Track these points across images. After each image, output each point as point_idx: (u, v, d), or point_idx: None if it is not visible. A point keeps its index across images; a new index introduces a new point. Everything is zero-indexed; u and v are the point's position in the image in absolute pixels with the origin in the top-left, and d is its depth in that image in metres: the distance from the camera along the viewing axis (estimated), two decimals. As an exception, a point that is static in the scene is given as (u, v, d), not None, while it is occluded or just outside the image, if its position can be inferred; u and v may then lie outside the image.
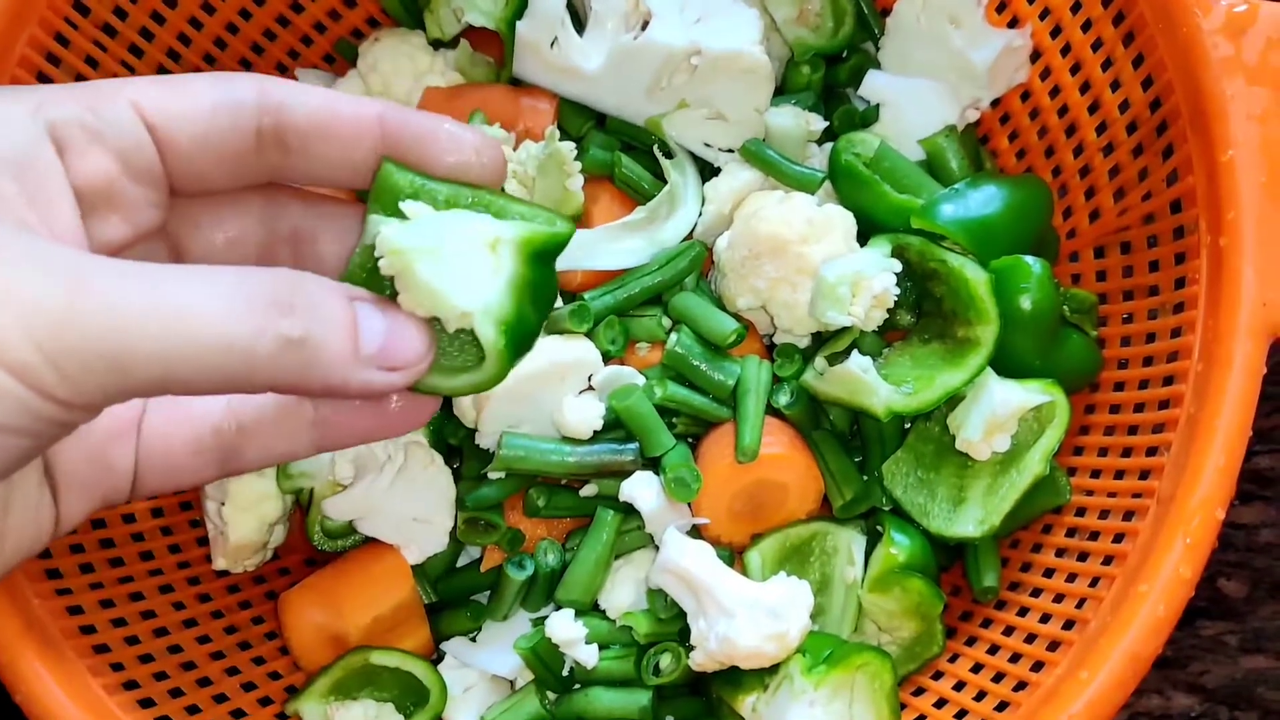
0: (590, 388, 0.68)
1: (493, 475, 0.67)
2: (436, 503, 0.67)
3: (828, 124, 0.73)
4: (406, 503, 0.66)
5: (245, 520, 0.68)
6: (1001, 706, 0.60)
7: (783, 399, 0.67)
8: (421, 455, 0.67)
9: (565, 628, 0.65)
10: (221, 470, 0.42)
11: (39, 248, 0.33)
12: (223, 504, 0.69)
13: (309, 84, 0.43)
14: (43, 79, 0.64)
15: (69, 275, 0.32)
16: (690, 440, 0.68)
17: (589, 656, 0.65)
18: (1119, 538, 0.60)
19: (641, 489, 0.65)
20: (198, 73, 0.42)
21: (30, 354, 0.31)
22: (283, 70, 0.78)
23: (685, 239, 0.71)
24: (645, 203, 0.72)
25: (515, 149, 0.69)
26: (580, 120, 0.73)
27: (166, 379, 0.32)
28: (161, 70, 0.71)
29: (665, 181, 0.72)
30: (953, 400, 0.64)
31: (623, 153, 0.73)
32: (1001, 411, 0.63)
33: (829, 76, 0.76)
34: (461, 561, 0.72)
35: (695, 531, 0.67)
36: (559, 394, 0.66)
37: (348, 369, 0.36)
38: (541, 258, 0.40)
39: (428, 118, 0.42)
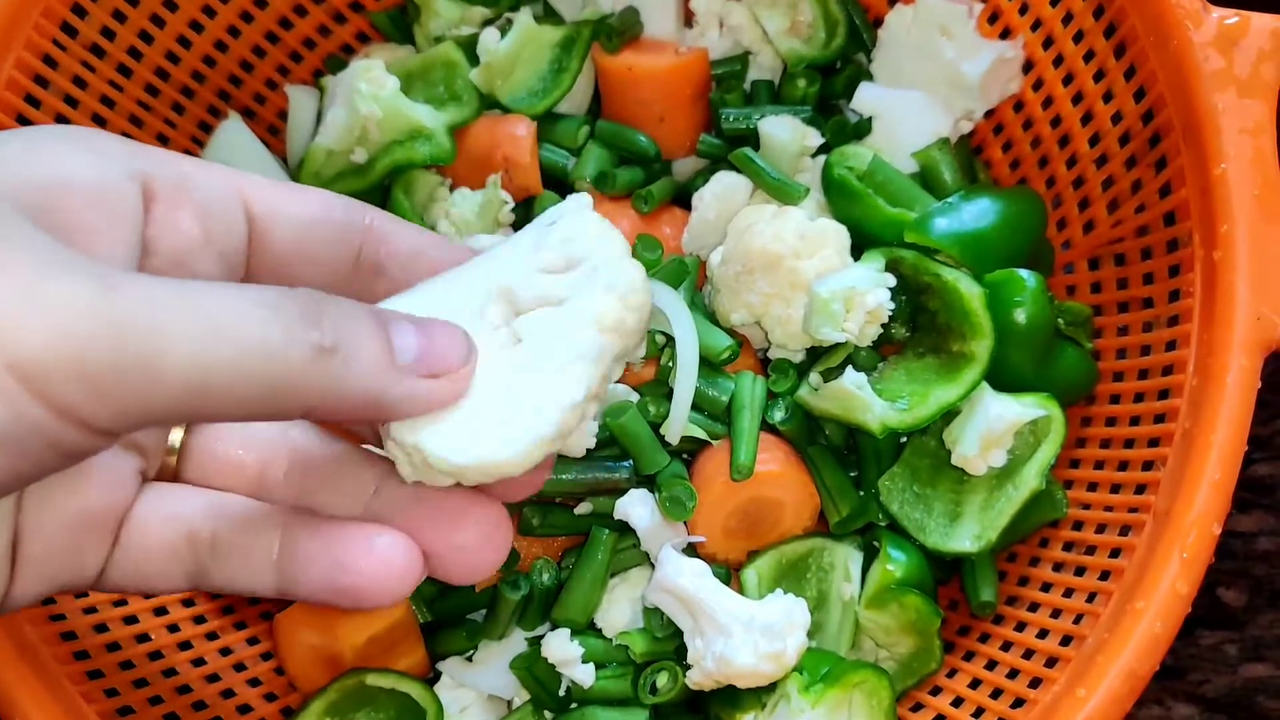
0: None
1: None
2: None
3: (824, 140, 0.73)
4: None
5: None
6: (1000, 723, 0.59)
7: (778, 415, 0.67)
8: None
9: (561, 647, 0.65)
10: (191, 585, 0.40)
11: (69, 254, 0.30)
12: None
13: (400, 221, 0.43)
14: (30, 102, 0.64)
15: (98, 279, 0.29)
16: (685, 457, 0.68)
17: (585, 676, 0.65)
18: (1115, 553, 0.60)
19: (636, 507, 0.65)
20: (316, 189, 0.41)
21: (53, 363, 0.28)
22: (273, 87, 0.78)
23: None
24: (643, 210, 0.72)
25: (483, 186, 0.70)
26: (574, 131, 0.73)
27: (202, 390, 0.30)
28: (149, 89, 0.71)
29: (660, 192, 0.72)
30: (948, 415, 0.64)
31: (620, 166, 0.73)
32: (997, 426, 0.63)
33: (823, 89, 0.76)
34: (457, 580, 0.71)
35: (691, 549, 0.67)
36: None
37: (385, 376, 0.34)
38: None
39: None
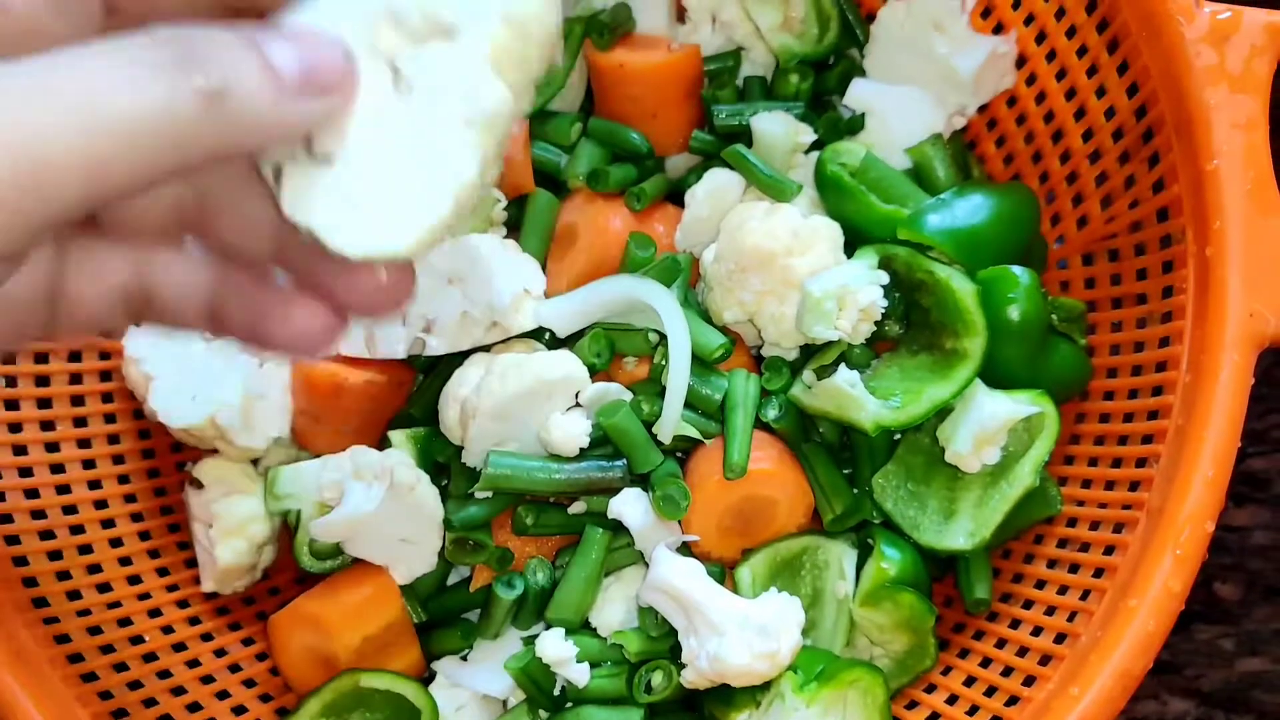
0: (578, 404, 0.67)
1: (479, 494, 0.67)
2: (424, 523, 0.67)
3: (814, 133, 0.73)
4: (394, 524, 0.66)
5: (233, 543, 0.68)
6: (994, 721, 0.59)
7: (771, 413, 0.67)
8: (408, 475, 0.66)
9: (556, 647, 0.65)
10: (131, 322, 0.39)
11: None
12: (210, 526, 0.68)
13: None
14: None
15: None
16: (679, 456, 0.67)
17: (580, 675, 0.65)
18: (1109, 550, 0.60)
19: (630, 506, 0.65)
20: None
21: None
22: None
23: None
24: (636, 207, 0.72)
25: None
26: (566, 128, 0.73)
27: (102, 175, 0.29)
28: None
29: (653, 189, 0.72)
30: (942, 412, 0.64)
31: (613, 163, 0.73)
32: (991, 424, 0.63)
33: (816, 85, 0.76)
34: (451, 580, 0.71)
35: (685, 548, 0.67)
36: (545, 411, 0.66)
37: (279, 104, 0.32)
38: None
39: None
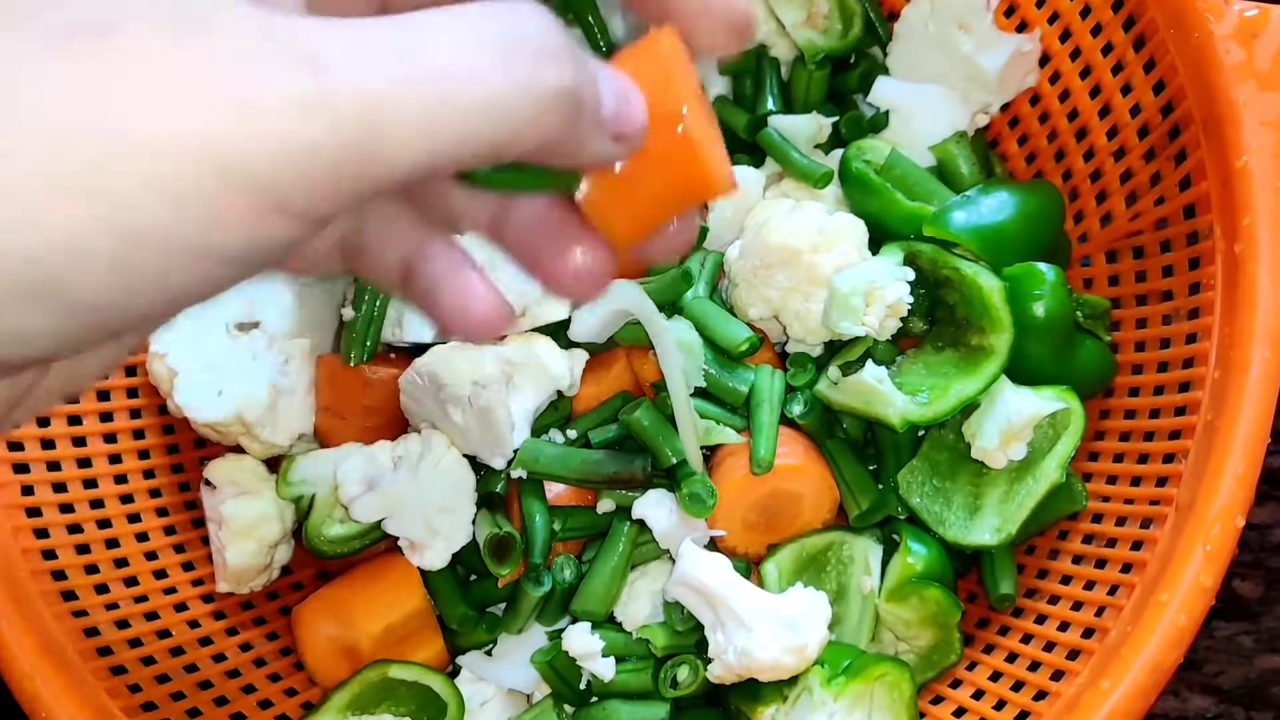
0: (559, 394, 0.68)
1: (514, 474, 0.67)
2: (459, 487, 0.67)
3: (835, 120, 0.74)
4: (431, 491, 0.66)
5: (243, 544, 0.68)
6: (1022, 716, 0.59)
7: (796, 409, 0.67)
8: (441, 440, 0.67)
9: (582, 641, 0.65)
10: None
11: (274, 33, 0.27)
12: (221, 527, 0.68)
13: None
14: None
15: (309, 64, 0.26)
16: (705, 451, 0.68)
17: (606, 669, 0.65)
18: (1137, 545, 0.60)
19: (654, 508, 0.65)
20: None
21: (277, 173, 0.26)
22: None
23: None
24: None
25: None
26: None
27: (426, 168, 0.28)
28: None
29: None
30: (967, 408, 0.64)
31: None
32: (1016, 420, 0.63)
33: (838, 83, 0.76)
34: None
35: (711, 543, 0.67)
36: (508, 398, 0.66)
37: (597, 130, 0.31)
38: None
39: None
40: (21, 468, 0.65)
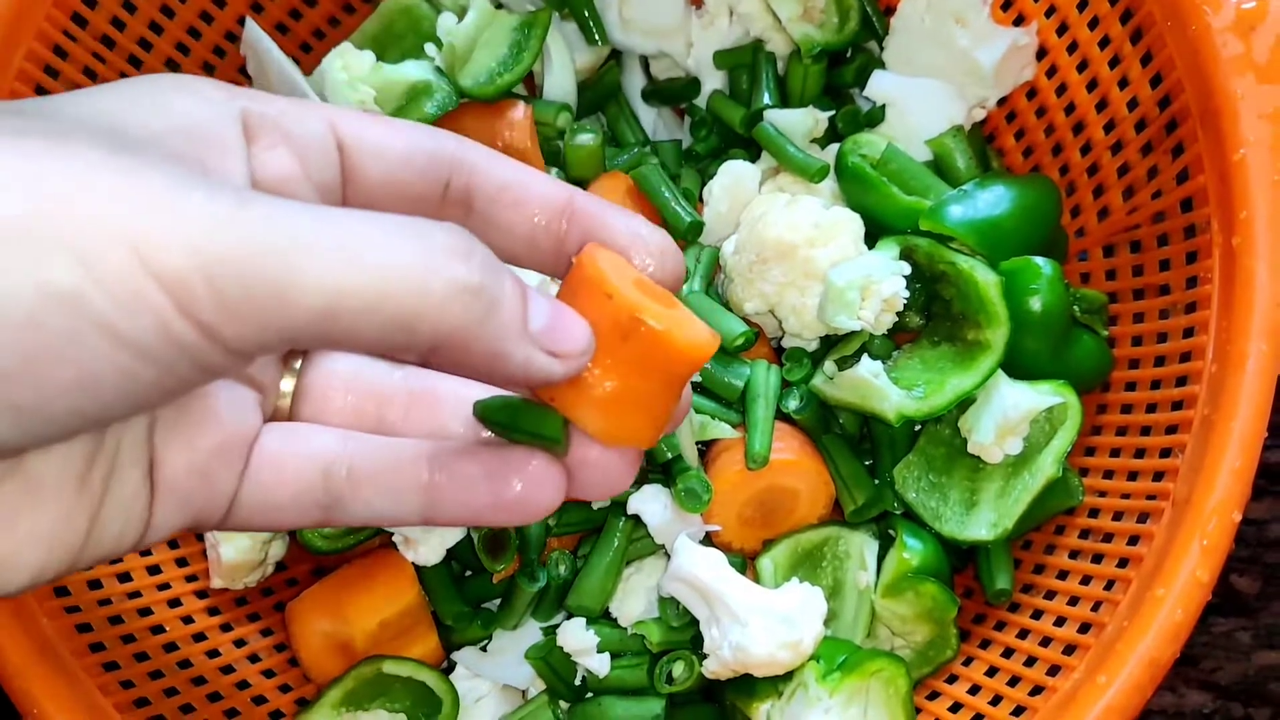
0: None
1: None
2: None
3: (831, 114, 0.74)
4: None
5: (237, 540, 0.68)
6: (1018, 711, 0.59)
7: (792, 404, 0.67)
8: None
9: (577, 636, 0.65)
10: (323, 518, 0.40)
11: (202, 174, 0.30)
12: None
13: (499, 156, 0.42)
14: (40, 93, 0.64)
15: (235, 196, 0.29)
16: (700, 446, 0.67)
17: (601, 665, 0.65)
18: (1133, 540, 0.60)
19: (649, 503, 0.65)
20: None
21: (186, 267, 0.28)
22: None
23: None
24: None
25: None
26: (556, 112, 0.73)
27: (330, 312, 0.30)
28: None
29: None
30: (964, 403, 0.64)
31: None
32: (1013, 414, 0.63)
33: (834, 78, 0.76)
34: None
35: (706, 539, 0.67)
36: None
37: (516, 338, 0.33)
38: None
39: (619, 213, 0.40)
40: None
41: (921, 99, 0.73)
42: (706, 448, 0.68)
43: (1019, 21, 0.72)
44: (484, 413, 0.38)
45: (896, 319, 0.65)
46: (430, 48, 0.73)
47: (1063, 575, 0.64)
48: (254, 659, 0.69)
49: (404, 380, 0.44)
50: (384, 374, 0.44)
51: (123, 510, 0.36)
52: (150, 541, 0.38)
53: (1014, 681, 0.62)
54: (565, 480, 0.39)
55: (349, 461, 0.40)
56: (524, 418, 0.38)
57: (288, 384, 0.43)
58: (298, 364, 0.44)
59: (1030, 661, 0.62)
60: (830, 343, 0.68)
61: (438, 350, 0.32)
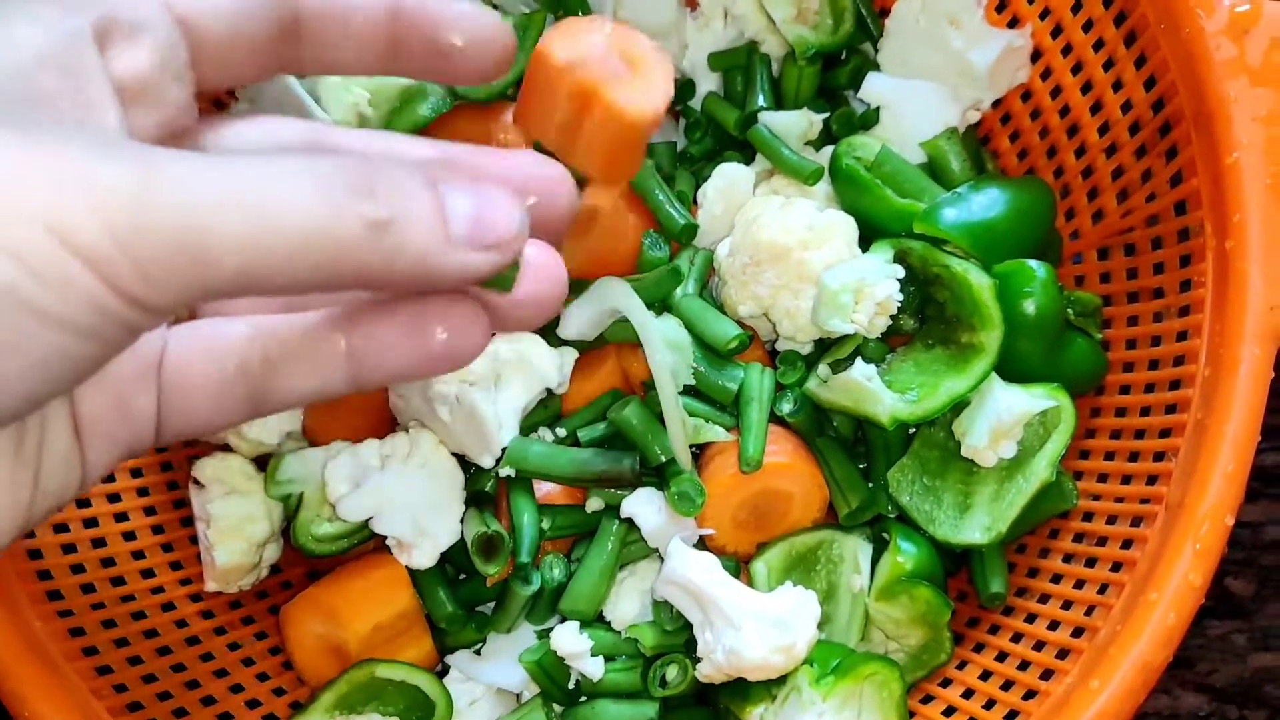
0: (548, 393, 0.68)
1: (501, 472, 0.67)
2: (447, 486, 0.66)
3: (825, 116, 0.74)
4: (419, 490, 0.66)
5: (231, 543, 0.67)
6: (1012, 715, 0.59)
7: (786, 407, 0.67)
8: (429, 438, 0.66)
9: (571, 640, 0.65)
10: (251, 410, 0.39)
11: (103, 137, 0.31)
12: (209, 526, 0.68)
13: None
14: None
15: (140, 161, 0.30)
16: (694, 449, 0.67)
17: (595, 669, 0.65)
18: (1127, 544, 0.60)
19: (643, 507, 0.65)
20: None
21: (106, 243, 0.28)
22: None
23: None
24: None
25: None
26: None
27: (249, 270, 0.30)
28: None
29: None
30: (958, 406, 0.64)
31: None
32: (1007, 418, 0.63)
33: (829, 79, 0.76)
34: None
35: (700, 542, 0.67)
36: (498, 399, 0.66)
37: (440, 252, 0.33)
38: None
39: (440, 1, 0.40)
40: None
41: (916, 101, 0.73)
42: (700, 451, 0.67)
43: (1014, 24, 0.72)
44: None
45: (890, 322, 0.65)
46: None
47: (1056, 579, 0.64)
48: (248, 662, 0.69)
49: None
50: None
51: (60, 466, 0.36)
52: (91, 483, 0.38)
53: (1007, 685, 0.62)
54: (488, 318, 0.38)
55: (261, 348, 0.39)
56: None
57: None
58: None
59: (1024, 665, 0.62)
60: (824, 346, 0.68)
61: (365, 286, 0.33)
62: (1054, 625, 0.62)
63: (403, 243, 0.32)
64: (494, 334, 0.39)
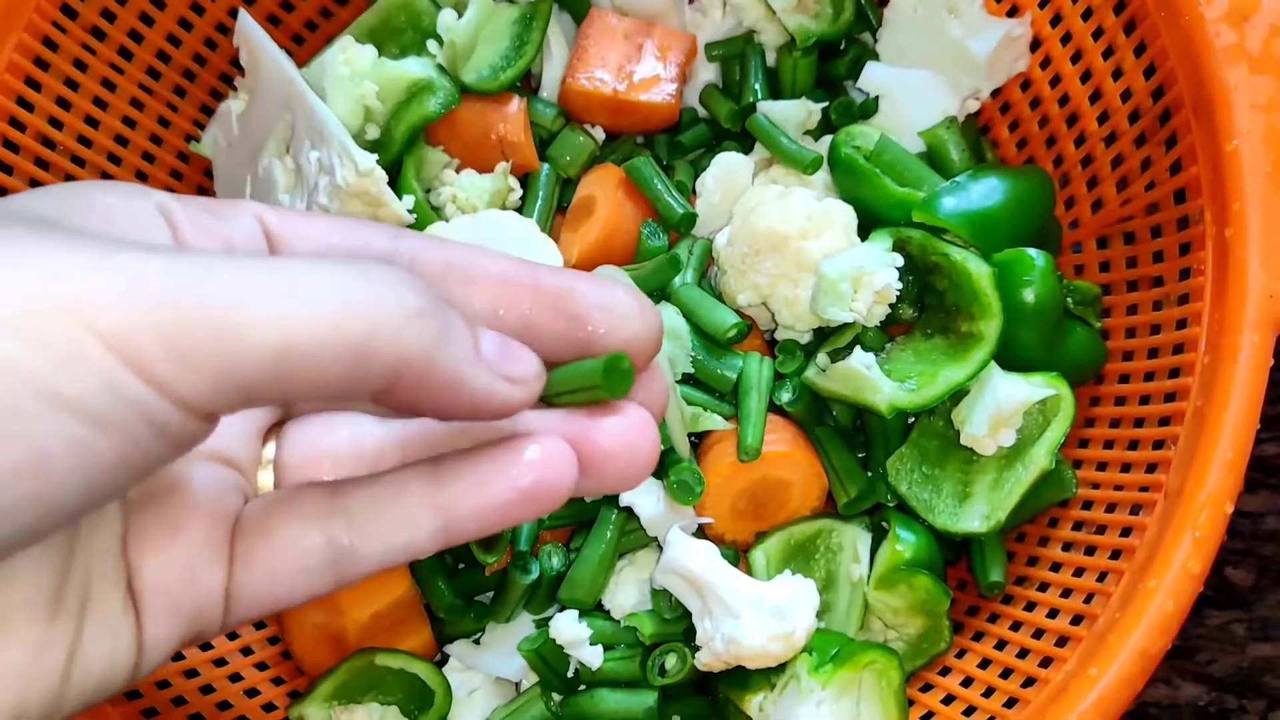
0: None
1: None
2: None
3: (824, 105, 0.74)
4: None
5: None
6: (1010, 703, 0.59)
7: (785, 396, 0.67)
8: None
9: (570, 629, 0.65)
10: (337, 577, 0.36)
11: (135, 242, 0.29)
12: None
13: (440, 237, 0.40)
14: (30, 85, 0.63)
15: (171, 249, 0.29)
16: (693, 439, 0.67)
17: (594, 657, 0.65)
18: (1126, 532, 0.60)
19: (641, 495, 0.65)
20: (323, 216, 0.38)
21: (132, 320, 0.26)
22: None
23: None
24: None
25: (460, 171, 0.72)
26: (551, 116, 0.73)
27: (285, 353, 0.28)
28: (150, 72, 0.70)
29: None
30: (957, 395, 0.64)
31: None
32: (1006, 406, 0.63)
33: (828, 69, 0.76)
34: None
35: (699, 531, 0.67)
36: None
37: (473, 363, 0.32)
38: None
39: (590, 284, 0.37)
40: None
41: (915, 90, 0.73)
42: (699, 440, 0.67)
43: (1013, 13, 0.72)
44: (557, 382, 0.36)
45: (889, 311, 0.65)
46: (432, 44, 0.72)
47: (1056, 567, 0.64)
48: (247, 651, 0.69)
49: (392, 432, 0.41)
50: (369, 429, 0.41)
51: (107, 634, 0.33)
52: (149, 666, 0.34)
53: (1006, 673, 0.62)
54: (573, 453, 0.35)
55: (346, 508, 0.36)
56: (589, 372, 0.35)
57: (269, 452, 0.41)
58: (270, 451, 0.41)
59: (1023, 654, 0.62)
60: (823, 335, 0.68)
61: (397, 382, 0.31)
62: (1053, 613, 0.62)
63: (440, 338, 0.31)
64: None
